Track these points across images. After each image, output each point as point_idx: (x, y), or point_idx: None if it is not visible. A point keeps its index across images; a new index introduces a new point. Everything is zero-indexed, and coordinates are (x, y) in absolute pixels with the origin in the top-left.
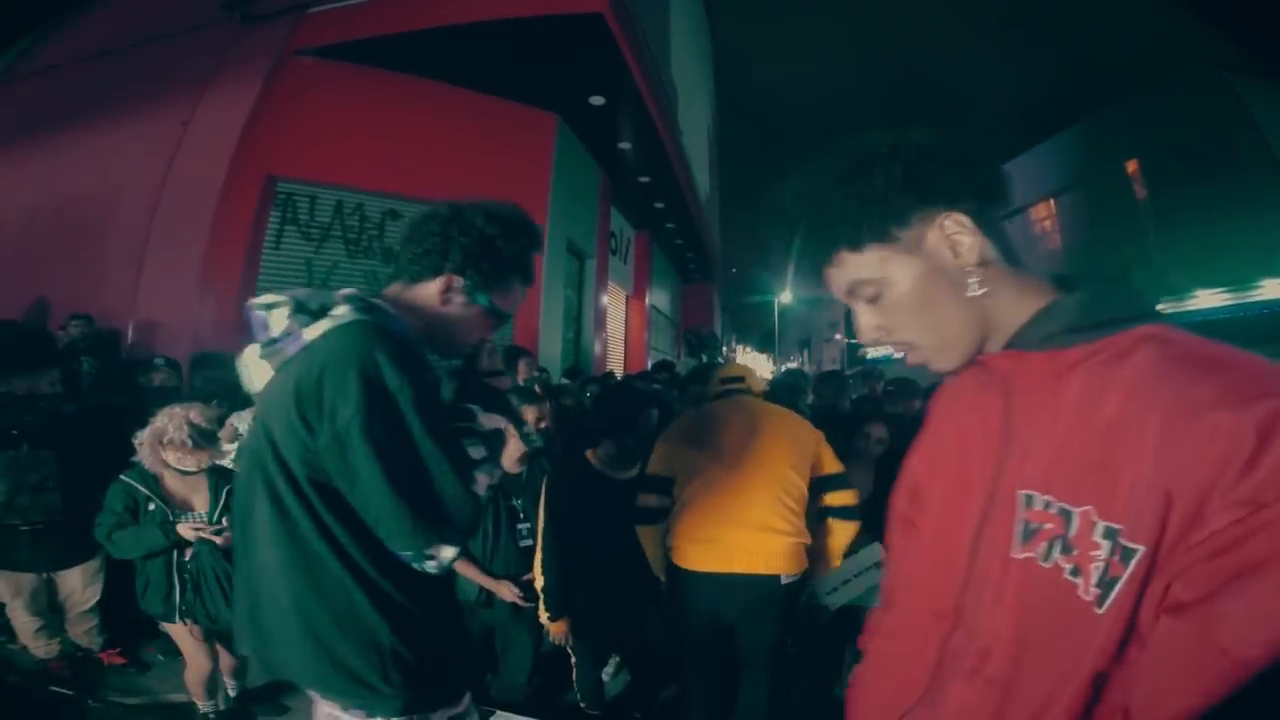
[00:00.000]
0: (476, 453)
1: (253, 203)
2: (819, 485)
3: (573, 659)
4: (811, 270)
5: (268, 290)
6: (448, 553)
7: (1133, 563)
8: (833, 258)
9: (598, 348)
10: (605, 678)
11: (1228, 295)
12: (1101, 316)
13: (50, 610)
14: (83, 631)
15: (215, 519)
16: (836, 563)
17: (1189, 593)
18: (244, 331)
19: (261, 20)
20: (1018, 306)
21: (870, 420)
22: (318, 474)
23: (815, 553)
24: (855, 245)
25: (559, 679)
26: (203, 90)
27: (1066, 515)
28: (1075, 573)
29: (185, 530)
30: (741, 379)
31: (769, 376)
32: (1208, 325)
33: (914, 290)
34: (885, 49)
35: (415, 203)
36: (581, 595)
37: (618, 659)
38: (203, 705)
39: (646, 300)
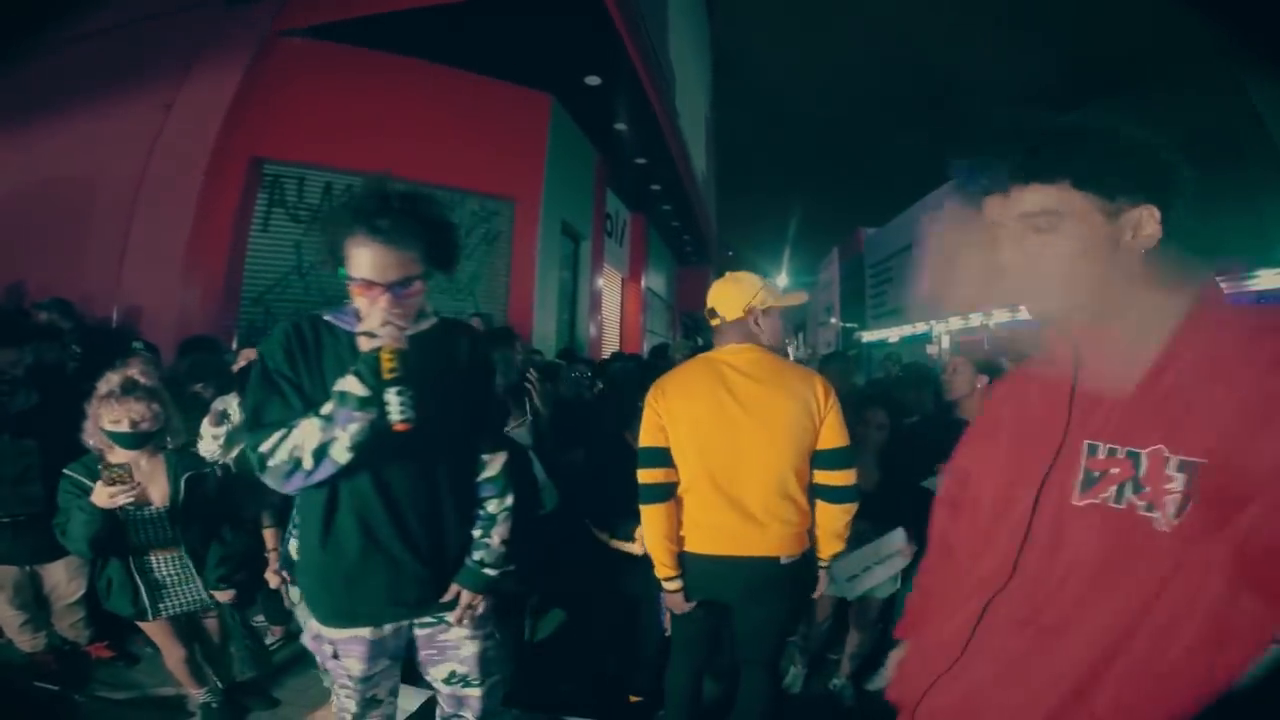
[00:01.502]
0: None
1: (239, 185)
2: (814, 459)
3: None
4: (1010, 177)
5: (257, 272)
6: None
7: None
8: (1055, 181)
9: (593, 330)
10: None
11: (1226, 284)
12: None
13: (35, 604)
14: (69, 625)
15: (177, 511)
16: (829, 548)
17: None
18: (232, 314)
19: (247, 1)
20: (1136, 297)
21: (869, 406)
22: None
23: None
24: (1085, 184)
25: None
26: (186, 73)
27: (1135, 457)
28: (1150, 508)
29: (100, 497)
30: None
31: None
32: None
33: (1085, 243)
34: (885, 36)
35: (406, 184)
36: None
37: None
38: (195, 694)
39: (642, 283)
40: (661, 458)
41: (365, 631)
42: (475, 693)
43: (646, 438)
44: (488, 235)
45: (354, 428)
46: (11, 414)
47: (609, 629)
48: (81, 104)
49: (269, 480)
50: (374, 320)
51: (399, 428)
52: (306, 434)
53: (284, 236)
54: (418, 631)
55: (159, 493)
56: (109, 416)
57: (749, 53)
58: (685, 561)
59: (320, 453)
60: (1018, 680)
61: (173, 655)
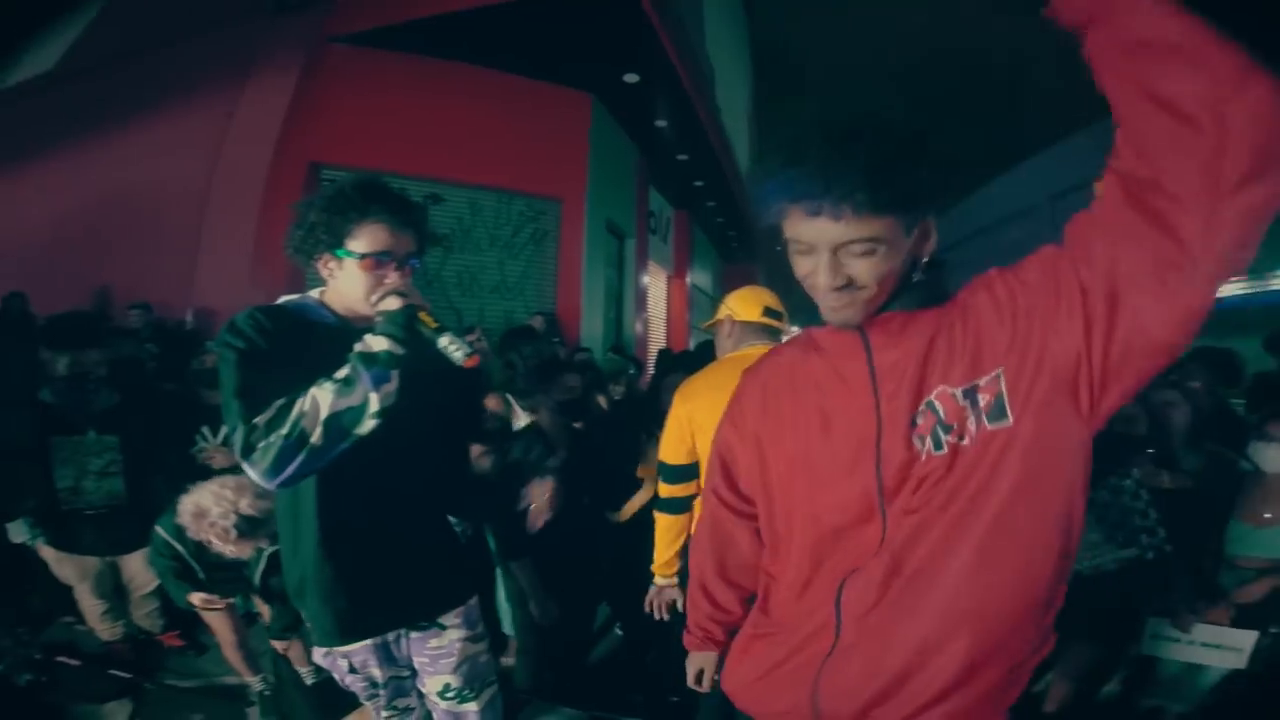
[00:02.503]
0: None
1: (298, 190)
2: None
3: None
4: (827, 209)
5: (317, 276)
6: (234, 443)
7: (1000, 379)
8: (864, 212)
9: (639, 327)
10: None
11: (1244, 285)
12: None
13: (115, 594)
14: (144, 614)
15: (257, 578)
16: None
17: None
18: None
19: (295, 10)
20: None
21: None
22: None
23: None
24: (888, 212)
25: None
26: (244, 81)
27: (931, 406)
28: (961, 438)
29: (195, 599)
30: (782, 314)
31: None
32: (1223, 314)
33: (895, 260)
34: (931, 21)
35: (456, 186)
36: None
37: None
38: (252, 682)
39: (688, 279)
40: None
41: (372, 640)
42: (473, 708)
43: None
44: (535, 235)
45: (387, 389)
46: (96, 412)
47: (648, 627)
48: (150, 114)
49: (256, 467)
50: (389, 290)
51: (470, 363)
52: (315, 402)
53: None
54: (412, 636)
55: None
56: (215, 543)
57: (791, 46)
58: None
59: (334, 423)
60: (906, 618)
61: (226, 640)
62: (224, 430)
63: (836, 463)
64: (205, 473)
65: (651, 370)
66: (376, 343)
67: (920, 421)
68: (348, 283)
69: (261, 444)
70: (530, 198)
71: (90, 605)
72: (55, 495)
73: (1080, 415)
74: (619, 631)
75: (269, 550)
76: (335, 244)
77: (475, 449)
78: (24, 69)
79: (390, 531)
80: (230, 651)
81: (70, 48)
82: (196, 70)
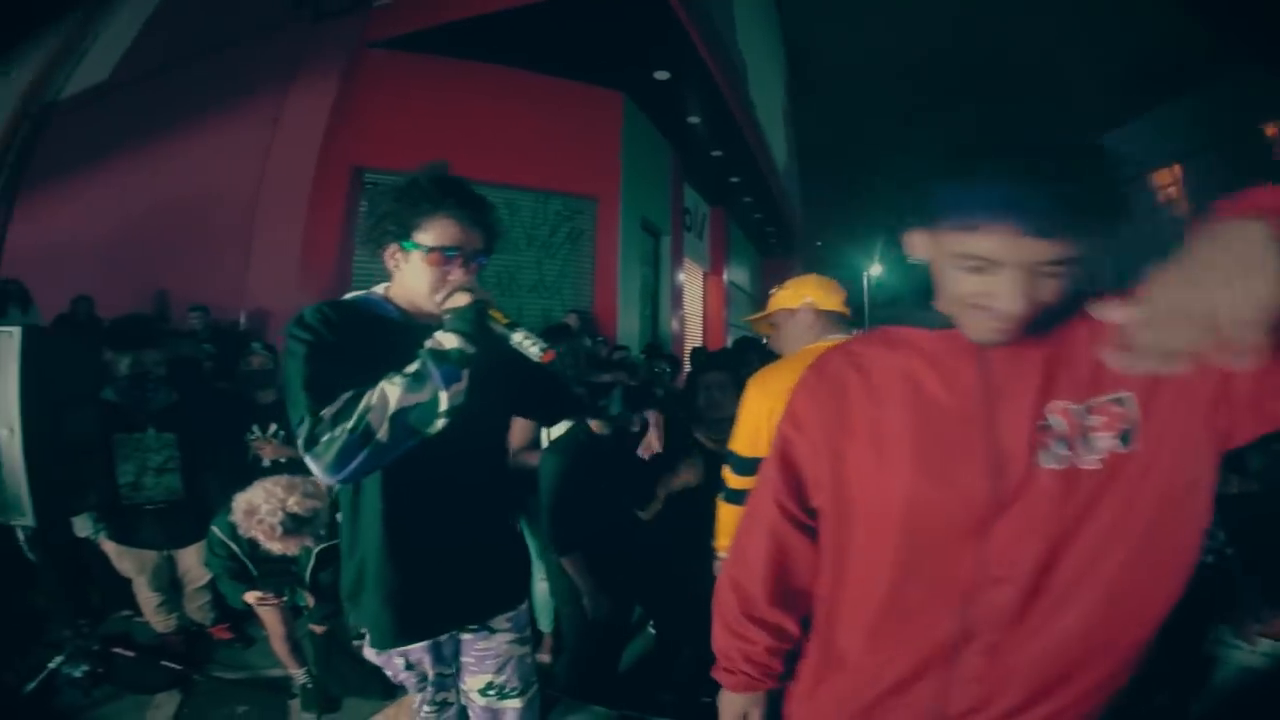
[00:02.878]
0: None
1: (342, 194)
2: None
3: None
4: (1033, 225)
5: (362, 277)
6: (299, 437)
7: (1130, 402)
8: (1069, 231)
9: (675, 325)
10: None
11: None
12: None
13: (171, 587)
14: (197, 607)
15: (307, 575)
16: None
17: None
18: None
19: (332, 16)
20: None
21: None
22: None
23: None
24: (1087, 231)
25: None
26: (287, 88)
27: (1050, 422)
28: (1082, 457)
29: (250, 598)
30: (844, 312)
31: None
32: None
33: (1070, 280)
34: (963, 13)
35: (494, 187)
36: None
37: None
38: (296, 674)
39: (724, 276)
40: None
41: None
42: (516, 704)
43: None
44: (572, 234)
45: (457, 388)
46: (155, 410)
47: (680, 628)
48: (200, 121)
49: (319, 462)
50: (456, 286)
51: (547, 357)
52: (384, 397)
53: None
54: (462, 637)
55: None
56: (263, 538)
57: (826, 38)
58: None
59: (401, 420)
60: (1037, 648)
61: (275, 632)
62: (273, 426)
63: (940, 477)
64: (255, 469)
65: (687, 368)
66: (448, 340)
67: (1039, 436)
68: (413, 276)
69: (325, 437)
70: (566, 197)
71: (147, 598)
72: (117, 491)
73: (1214, 446)
74: (651, 630)
75: (317, 548)
76: (403, 235)
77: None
78: (80, 79)
79: (455, 532)
80: (278, 643)
81: (122, 57)
82: (242, 77)
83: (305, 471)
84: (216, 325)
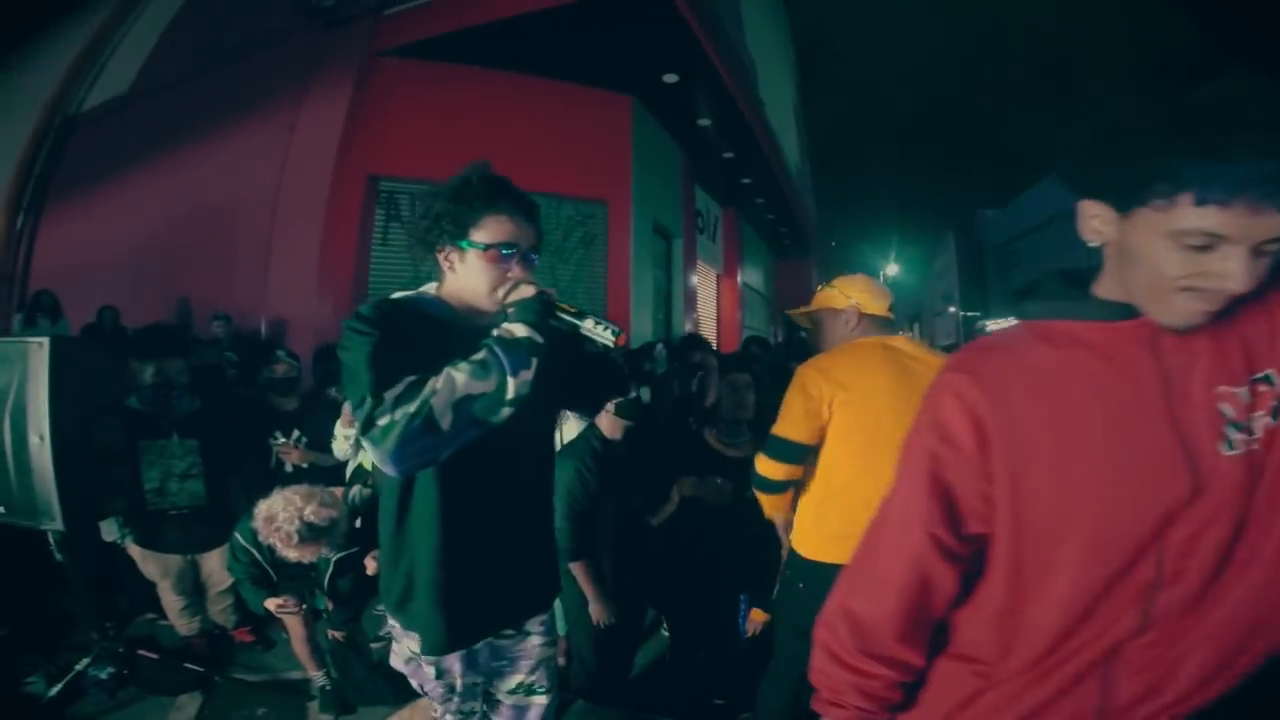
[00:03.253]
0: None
1: (358, 202)
2: None
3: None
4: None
5: (379, 284)
6: (356, 419)
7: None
8: None
9: (689, 328)
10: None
11: None
12: None
13: (194, 590)
14: (219, 610)
15: (326, 582)
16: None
17: None
18: None
19: (342, 25)
20: None
21: None
22: None
23: None
24: None
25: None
26: (301, 97)
27: (1223, 408)
28: (1253, 436)
29: (271, 605)
30: (890, 316)
31: None
32: None
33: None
34: (983, 12)
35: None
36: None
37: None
38: (315, 676)
39: (738, 278)
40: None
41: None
42: (542, 700)
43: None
44: (585, 238)
45: (525, 376)
46: (179, 417)
47: (695, 629)
48: (218, 132)
49: (378, 448)
50: (518, 281)
51: (620, 342)
52: (450, 381)
53: (402, 249)
54: (497, 642)
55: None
56: (280, 545)
57: (838, 38)
58: (814, 572)
59: (465, 408)
60: (1200, 635)
61: (297, 635)
62: (296, 432)
63: (1135, 481)
64: (278, 475)
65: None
66: (517, 328)
67: (1218, 423)
68: (470, 275)
69: (384, 420)
70: (578, 201)
71: (171, 601)
72: (143, 496)
73: None
74: (665, 633)
75: (335, 556)
76: (459, 235)
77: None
78: (100, 91)
79: (506, 532)
80: (300, 646)
81: (140, 70)
82: (257, 87)
83: (328, 479)
84: (239, 333)
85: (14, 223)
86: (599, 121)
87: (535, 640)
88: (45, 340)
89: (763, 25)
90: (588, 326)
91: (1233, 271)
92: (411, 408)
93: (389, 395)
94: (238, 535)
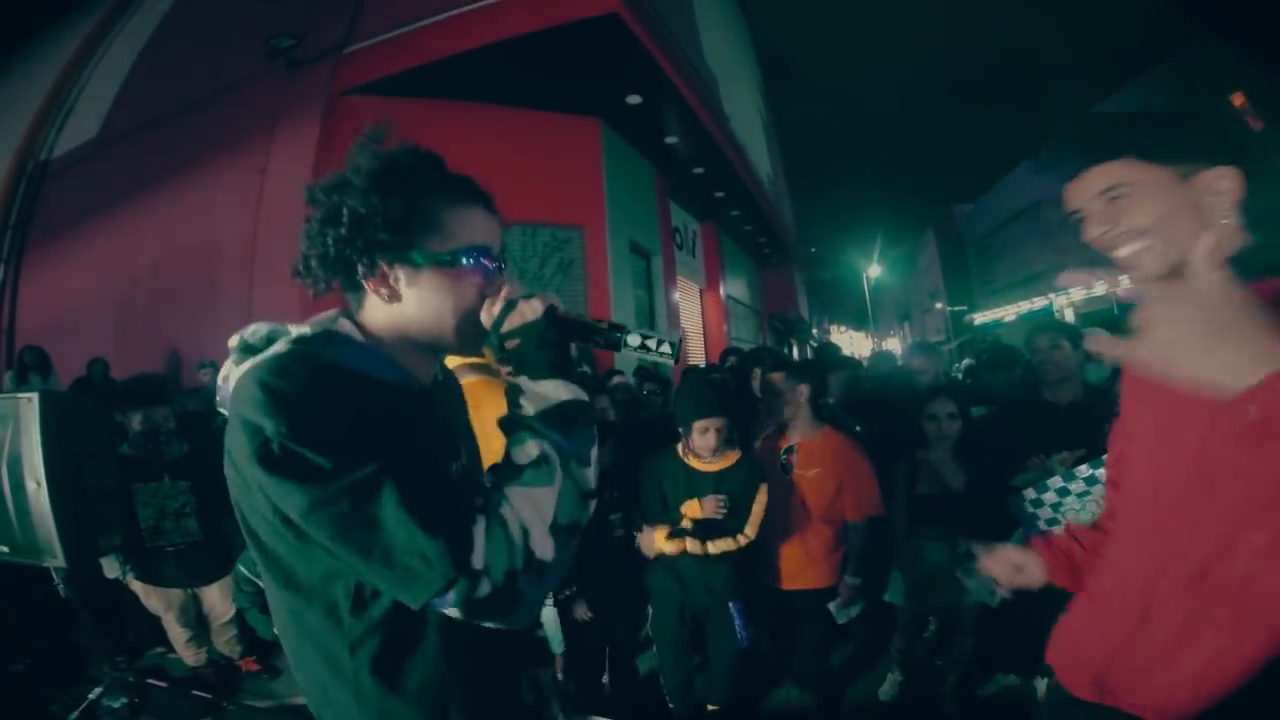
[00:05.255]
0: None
1: None
2: None
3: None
4: (1077, 163)
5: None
6: (447, 607)
7: None
8: (1119, 158)
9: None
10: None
11: None
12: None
13: (198, 623)
14: (224, 641)
15: None
16: None
17: None
18: None
19: (304, 65)
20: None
21: (935, 397)
22: (270, 546)
23: None
24: (1147, 155)
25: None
26: (270, 138)
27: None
28: None
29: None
30: None
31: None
32: None
33: (1163, 203)
34: (940, 9)
35: None
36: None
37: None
38: None
39: (721, 291)
40: None
41: None
42: None
43: None
44: (562, 264)
45: (596, 451)
46: (169, 461)
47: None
48: (190, 176)
49: (506, 619)
50: (512, 298)
51: (679, 359)
52: (526, 506)
53: None
54: None
55: None
56: None
57: (804, 50)
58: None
59: (557, 526)
60: (1191, 642)
61: None
62: None
63: (1170, 454)
64: None
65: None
66: (550, 390)
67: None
68: (429, 301)
69: (487, 589)
70: (553, 228)
71: (177, 634)
72: (140, 534)
73: None
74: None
75: None
76: (404, 244)
77: None
78: (69, 137)
79: (532, 654)
80: None
81: (108, 114)
82: (226, 130)
83: None
84: None
85: None
86: (568, 146)
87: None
88: (34, 395)
89: (721, 40)
90: (633, 344)
91: None
92: (515, 563)
93: (476, 559)
94: (240, 567)
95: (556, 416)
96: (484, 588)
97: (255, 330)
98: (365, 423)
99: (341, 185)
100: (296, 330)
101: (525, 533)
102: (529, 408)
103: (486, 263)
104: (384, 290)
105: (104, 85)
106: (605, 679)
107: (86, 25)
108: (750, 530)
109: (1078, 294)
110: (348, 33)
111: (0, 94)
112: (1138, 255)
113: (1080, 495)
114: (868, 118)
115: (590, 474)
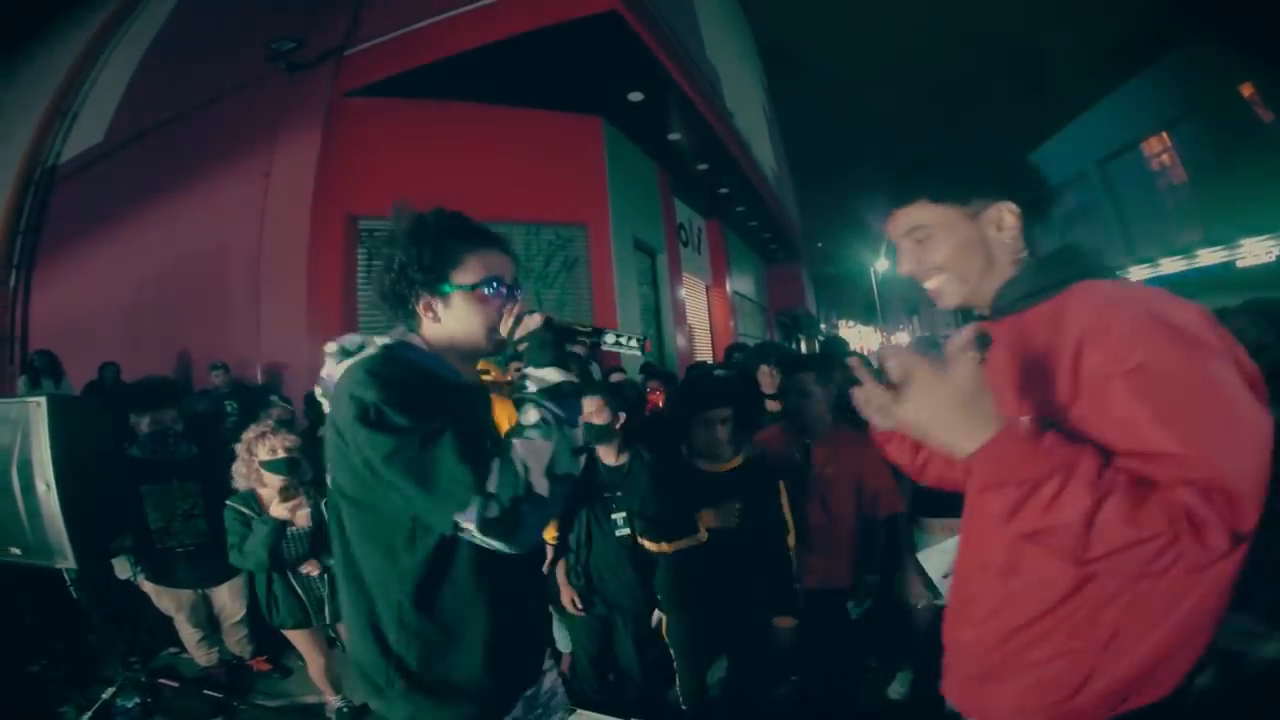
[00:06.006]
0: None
1: (340, 242)
2: None
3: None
4: (887, 205)
5: (368, 323)
6: (468, 523)
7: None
8: (915, 201)
9: (681, 341)
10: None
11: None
12: (1039, 286)
13: (209, 623)
14: (235, 641)
15: (321, 532)
16: None
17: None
18: None
19: (306, 68)
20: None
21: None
22: (352, 493)
23: None
24: (938, 198)
25: (659, 676)
26: (273, 141)
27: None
28: None
29: (279, 511)
30: None
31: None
32: None
33: (956, 242)
34: (944, 15)
35: (487, 223)
36: (689, 593)
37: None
38: (331, 701)
39: (727, 287)
40: None
41: None
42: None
43: None
44: (566, 262)
45: (581, 420)
46: (178, 462)
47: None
48: (196, 180)
49: (509, 540)
50: (520, 314)
51: (647, 346)
52: (530, 453)
53: None
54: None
55: (303, 518)
56: (265, 448)
57: (809, 46)
58: None
59: (553, 470)
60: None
61: (315, 663)
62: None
63: None
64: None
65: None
66: (549, 374)
67: None
68: (461, 319)
69: (496, 512)
70: (557, 226)
71: (188, 634)
72: (150, 535)
73: None
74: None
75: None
76: (436, 280)
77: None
78: (75, 143)
79: (533, 578)
80: (316, 673)
81: (113, 120)
82: (230, 134)
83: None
84: (237, 381)
85: (7, 281)
86: (570, 144)
87: (551, 675)
88: (43, 399)
89: (723, 36)
90: (609, 341)
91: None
92: (520, 491)
93: (492, 486)
94: (229, 504)
95: (552, 392)
96: (494, 509)
97: (351, 339)
98: (432, 398)
99: (389, 241)
100: (381, 340)
101: (526, 469)
102: (532, 387)
103: (501, 289)
104: (430, 314)
105: (108, 90)
106: (611, 677)
107: (88, 31)
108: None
109: None
110: (348, 34)
111: (5, 99)
112: (940, 287)
113: None
114: (873, 110)
115: (579, 434)
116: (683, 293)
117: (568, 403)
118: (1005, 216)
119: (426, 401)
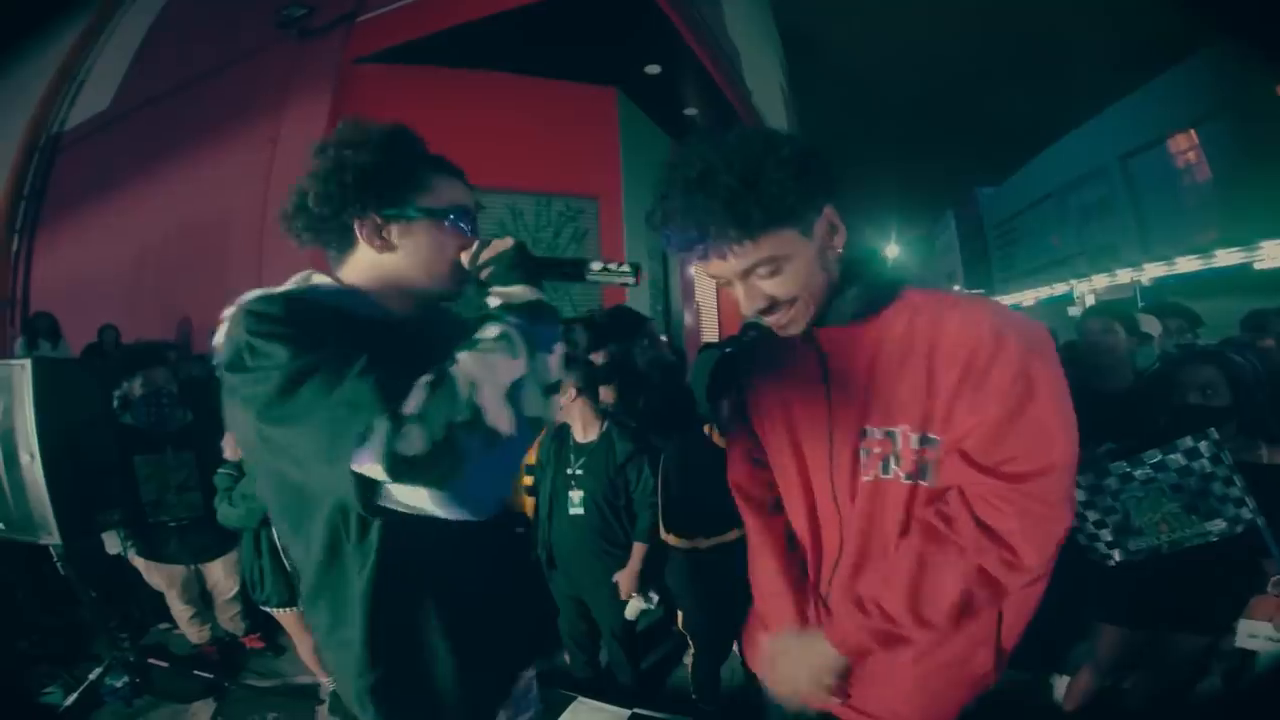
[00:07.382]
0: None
1: None
2: None
3: (691, 648)
4: (717, 243)
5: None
6: (370, 462)
7: (939, 449)
8: (751, 238)
9: (689, 318)
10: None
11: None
12: (874, 297)
13: (201, 599)
14: (228, 618)
15: None
16: None
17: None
18: None
19: (316, 34)
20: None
21: None
22: (264, 476)
23: None
24: (772, 228)
25: (668, 664)
26: (282, 108)
27: (891, 436)
28: (910, 477)
29: None
30: None
31: None
32: None
33: (805, 263)
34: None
35: (497, 193)
36: (701, 584)
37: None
38: (324, 682)
39: None
40: None
41: None
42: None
43: None
44: (576, 234)
45: (558, 349)
46: (172, 431)
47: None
48: (203, 146)
49: (436, 487)
50: (484, 242)
51: (640, 278)
52: (481, 367)
53: None
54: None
55: None
56: None
57: (827, 29)
58: None
59: (515, 397)
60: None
61: (304, 644)
62: None
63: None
64: None
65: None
66: (517, 290)
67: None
68: (421, 251)
69: (418, 442)
70: (568, 198)
71: (180, 610)
72: (141, 508)
73: None
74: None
75: None
76: (402, 200)
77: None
78: (81, 109)
79: (500, 577)
80: (307, 653)
81: (120, 86)
82: (238, 101)
83: None
84: None
85: (9, 245)
86: (584, 116)
87: (529, 672)
88: (26, 361)
89: (745, 14)
90: (595, 270)
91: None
92: (456, 415)
93: (410, 409)
94: (219, 474)
95: (521, 307)
96: (415, 437)
97: (249, 295)
98: (335, 333)
99: (353, 144)
100: (280, 288)
101: (473, 387)
102: (495, 302)
103: (464, 225)
104: (378, 241)
105: (116, 57)
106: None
107: None
108: None
109: (1100, 280)
110: (359, 1)
111: (12, 67)
112: (795, 317)
113: (1146, 484)
114: (891, 98)
115: (552, 364)
116: (693, 270)
117: (543, 320)
118: (834, 222)
119: (324, 335)
